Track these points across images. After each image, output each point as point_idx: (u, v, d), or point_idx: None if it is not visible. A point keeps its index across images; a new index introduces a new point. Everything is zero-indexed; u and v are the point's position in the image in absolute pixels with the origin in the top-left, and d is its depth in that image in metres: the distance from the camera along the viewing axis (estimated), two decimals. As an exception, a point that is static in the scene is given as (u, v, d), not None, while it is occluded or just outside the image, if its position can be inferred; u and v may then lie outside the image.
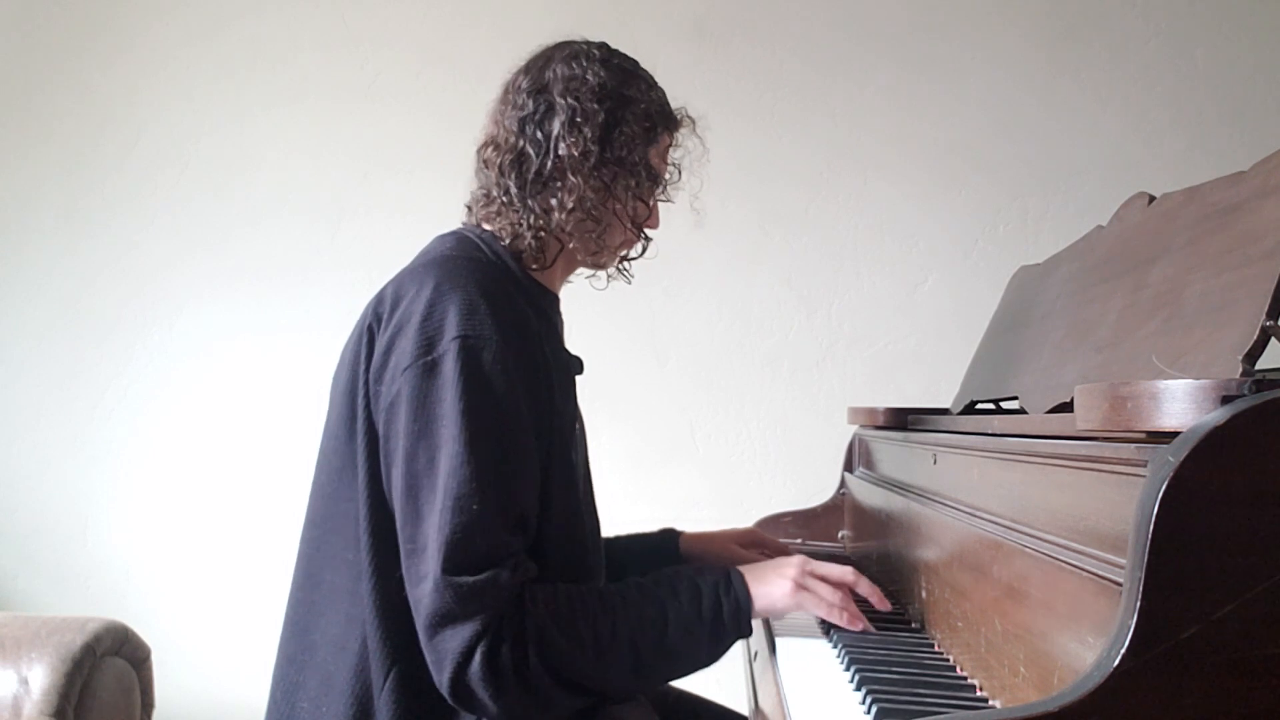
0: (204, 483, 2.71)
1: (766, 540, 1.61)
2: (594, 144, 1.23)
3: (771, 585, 1.21)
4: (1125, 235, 1.27)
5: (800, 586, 1.21)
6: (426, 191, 2.64)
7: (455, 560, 1.05)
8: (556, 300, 1.33)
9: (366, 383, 1.15)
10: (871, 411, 1.81)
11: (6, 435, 2.78)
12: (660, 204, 1.34)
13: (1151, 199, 1.25)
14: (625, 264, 1.37)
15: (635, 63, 1.33)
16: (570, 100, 1.24)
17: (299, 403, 2.65)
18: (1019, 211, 2.53)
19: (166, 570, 2.71)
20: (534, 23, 2.61)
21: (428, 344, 1.10)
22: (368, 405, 1.15)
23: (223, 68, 2.75)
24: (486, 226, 1.28)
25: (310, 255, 2.70)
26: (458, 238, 1.27)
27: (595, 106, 1.24)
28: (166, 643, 2.29)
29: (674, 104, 1.34)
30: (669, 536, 1.54)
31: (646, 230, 1.33)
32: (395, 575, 1.12)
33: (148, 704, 1.97)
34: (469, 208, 1.33)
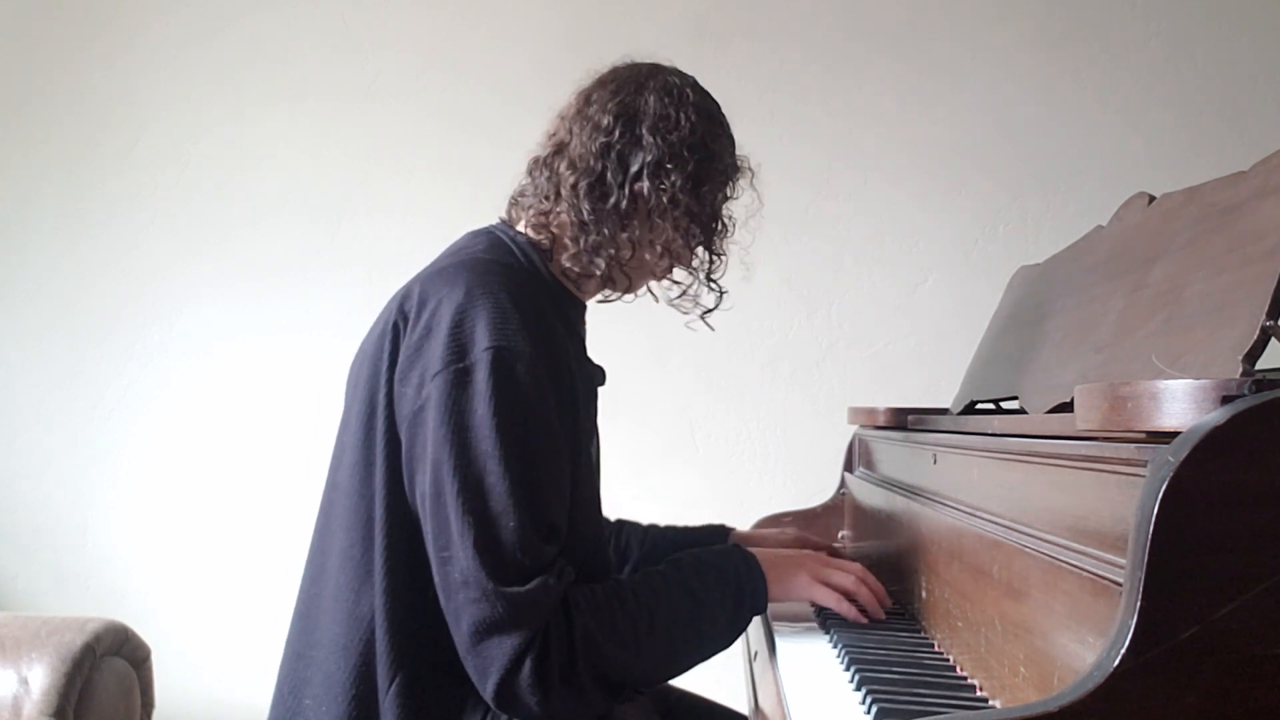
0: (204, 483, 2.71)
1: (813, 542, 1.63)
2: (682, 194, 1.22)
3: (787, 572, 1.29)
4: (1125, 235, 1.27)
5: (815, 578, 1.29)
6: (426, 191, 2.65)
7: (501, 571, 1.05)
8: (584, 309, 1.33)
9: (390, 380, 1.14)
10: (871, 411, 1.81)
11: (6, 435, 2.78)
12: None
13: (1151, 199, 1.25)
14: (707, 315, 1.36)
15: (717, 106, 1.31)
16: (659, 141, 1.22)
17: (299, 403, 2.66)
18: (1019, 211, 2.53)
19: (166, 570, 2.71)
20: (535, 23, 2.63)
21: (459, 351, 1.09)
22: (389, 404, 1.14)
23: (223, 68, 2.75)
24: (529, 232, 1.26)
25: (310, 255, 2.70)
26: (490, 239, 1.26)
27: (685, 155, 1.22)
28: (166, 643, 2.29)
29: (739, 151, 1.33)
30: (717, 533, 1.56)
31: (717, 281, 1.34)
32: (408, 578, 1.11)
33: (148, 704, 1.97)
34: (513, 204, 1.30)
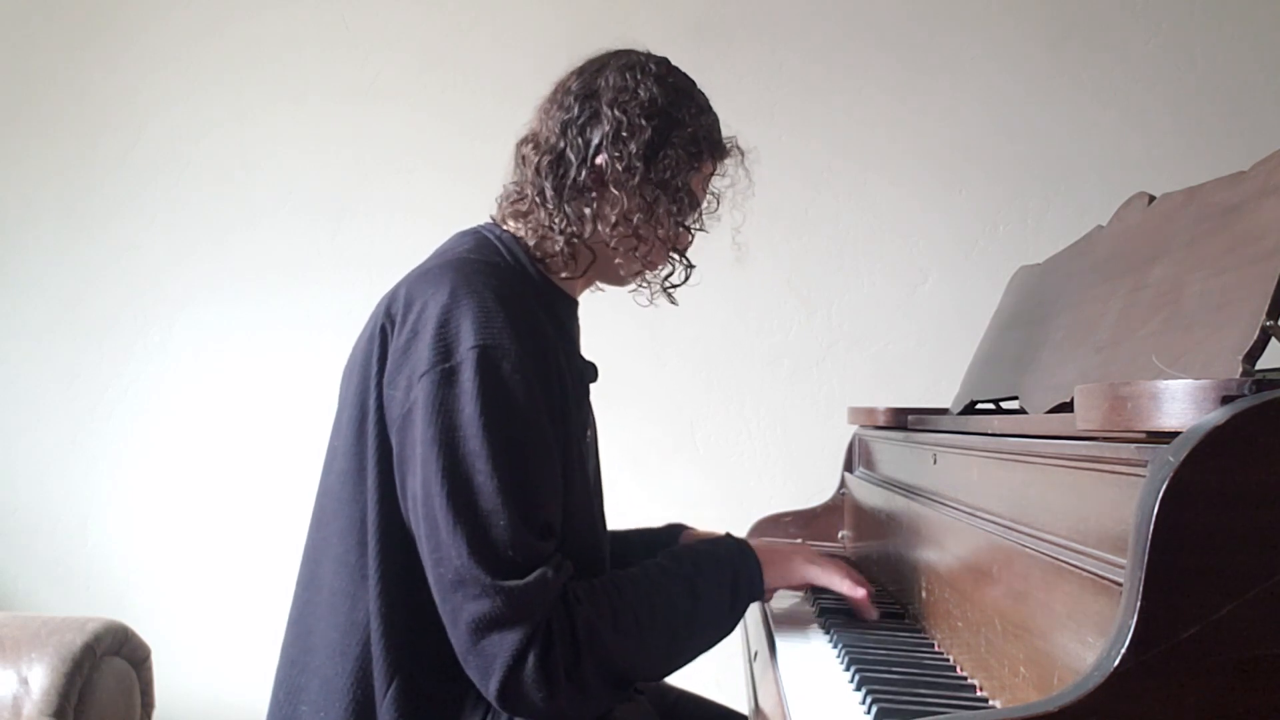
0: (204, 482, 2.71)
1: None
2: (638, 161, 1.21)
3: (781, 556, 1.31)
4: (1125, 235, 1.27)
5: (808, 560, 1.32)
6: (426, 191, 2.65)
7: (496, 566, 1.04)
8: (575, 306, 1.32)
9: (379, 384, 1.14)
10: (871, 411, 1.81)
11: (6, 435, 2.78)
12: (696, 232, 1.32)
13: (1151, 199, 1.25)
14: (670, 290, 1.34)
15: (692, 83, 1.30)
16: (617, 113, 1.22)
17: (298, 402, 2.66)
18: (1019, 211, 2.53)
19: (166, 570, 2.71)
20: (535, 23, 2.64)
21: (445, 351, 1.09)
22: (379, 407, 1.14)
23: (223, 68, 2.75)
24: (510, 224, 1.27)
25: (310, 255, 2.70)
26: (477, 239, 1.26)
27: (643, 123, 1.22)
28: (166, 643, 2.29)
29: (725, 131, 1.32)
30: (673, 531, 1.55)
31: (686, 257, 1.31)
32: (403, 583, 1.11)
33: (148, 704, 1.97)
34: (499, 202, 1.30)
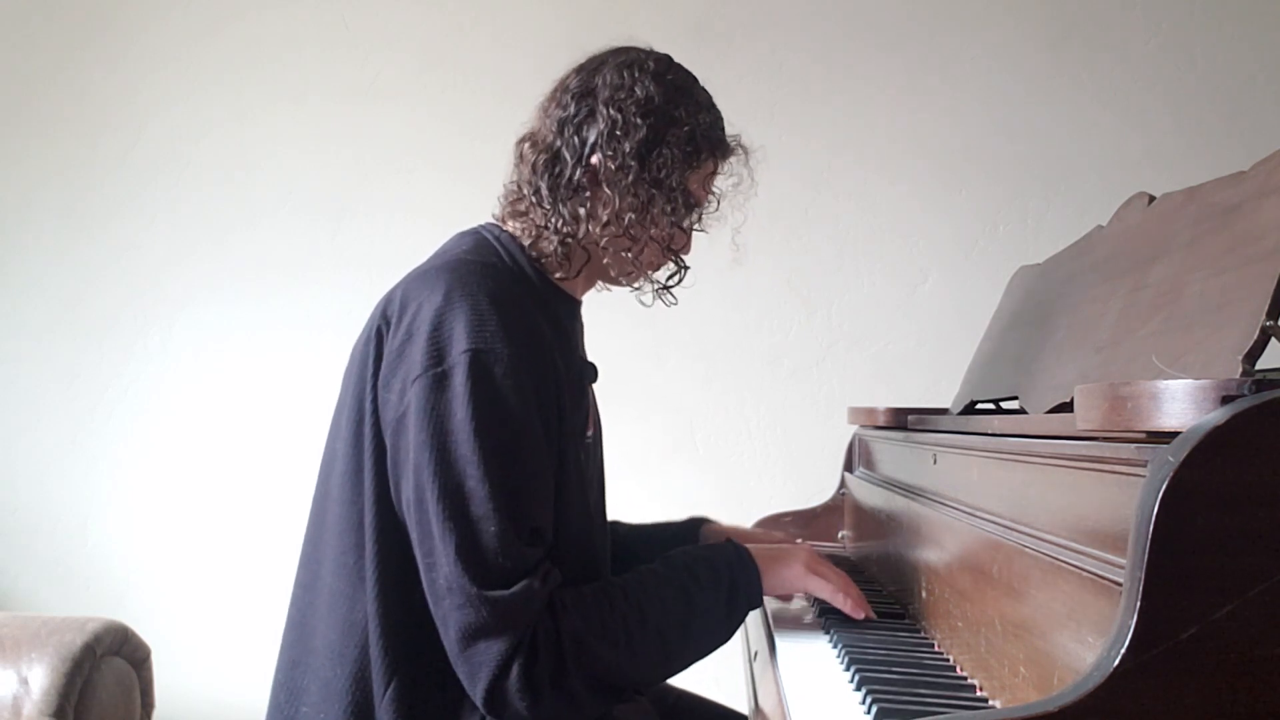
0: (204, 483, 2.71)
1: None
2: (632, 160, 1.20)
3: (782, 564, 1.28)
4: (1125, 235, 1.27)
5: (809, 569, 1.29)
6: (426, 191, 2.65)
7: (484, 575, 1.04)
8: (576, 306, 1.31)
9: (375, 386, 1.14)
10: (871, 411, 1.81)
11: (6, 435, 2.78)
12: (695, 232, 1.30)
13: (1151, 199, 1.25)
14: (669, 292, 1.33)
15: (693, 80, 1.29)
16: (613, 111, 1.21)
17: (298, 403, 2.66)
18: (1019, 211, 2.53)
19: (166, 570, 2.71)
20: (535, 23, 2.64)
21: (437, 355, 1.08)
22: (375, 410, 1.14)
23: (223, 68, 2.76)
24: (510, 224, 1.27)
25: (310, 255, 2.71)
26: (476, 240, 1.25)
27: (638, 121, 1.21)
28: (166, 643, 2.29)
29: (730, 130, 1.31)
30: (693, 525, 1.54)
31: (682, 257, 1.30)
32: (400, 584, 1.11)
33: (148, 704, 1.98)
34: (499, 201, 1.30)
